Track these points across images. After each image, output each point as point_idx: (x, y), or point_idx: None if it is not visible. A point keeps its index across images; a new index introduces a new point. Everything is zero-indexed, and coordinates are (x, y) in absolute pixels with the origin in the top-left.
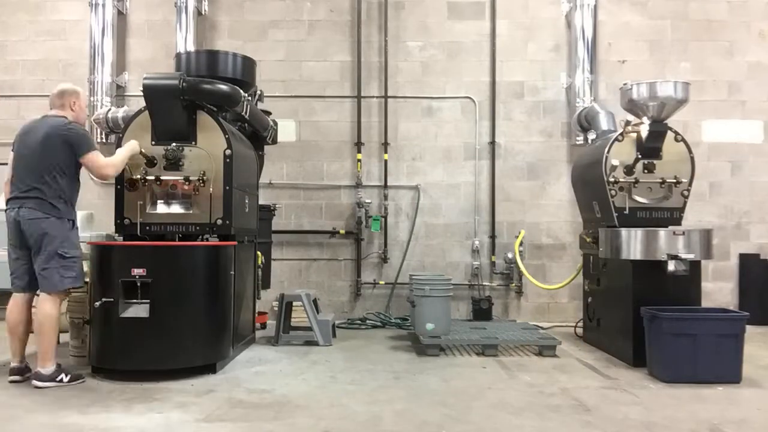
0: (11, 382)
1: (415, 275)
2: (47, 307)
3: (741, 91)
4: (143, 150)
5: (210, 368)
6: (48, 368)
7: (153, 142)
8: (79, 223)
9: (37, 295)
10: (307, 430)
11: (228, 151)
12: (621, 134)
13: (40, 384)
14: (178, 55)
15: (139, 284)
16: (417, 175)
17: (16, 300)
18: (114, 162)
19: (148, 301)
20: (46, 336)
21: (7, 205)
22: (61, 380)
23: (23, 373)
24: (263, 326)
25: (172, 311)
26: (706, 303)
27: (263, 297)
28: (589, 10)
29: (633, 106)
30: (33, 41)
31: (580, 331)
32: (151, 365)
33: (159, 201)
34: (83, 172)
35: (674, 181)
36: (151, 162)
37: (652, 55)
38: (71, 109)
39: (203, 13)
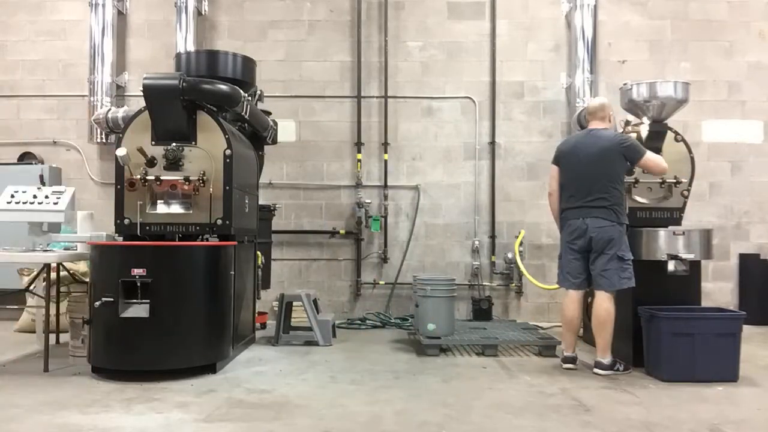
0: (566, 369)
1: (419, 276)
2: (607, 304)
3: (741, 91)
4: (144, 149)
5: (210, 368)
6: (607, 358)
7: (153, 142)
8: (78, 223)
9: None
10: (307, 430)
11: (228, 151)
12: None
13: (600, 372)
14: (178, 55)
15: (139, 284)
16: (417, 175)
17: (572, 297)
18: (663, 160)
19: (148, 301)
20: (605, 329)
21: (568, 214)
22: (617, 369)
23: (574, 362)
24: (263, 326)
25: (172, 311)
26: (706, 303)
27: (263, 297)
28: (589, 10)
29: (633, 106)
30: (33, 41)
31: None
32: (151, 365)
33: (159, 201)
34: (81, 172)
35: (674, 181)
36: (151, 162)
37: (652, 55)
38: (609, 120)
39: (203, 13)
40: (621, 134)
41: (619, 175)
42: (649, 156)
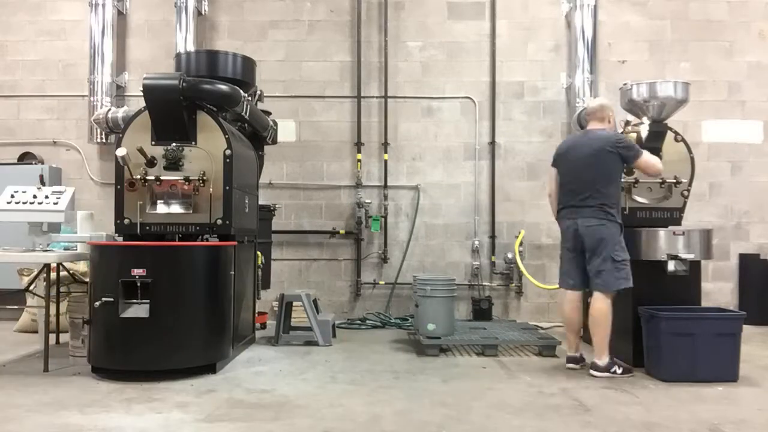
0: (569, 368)
1: (419, 276)
2: (599, 304)
3: (741, 91)
4: (144, 149)
5: (210, 368)
6: (603, 360)
7: (153, 142)
8: (78, 223)
9: (587, 293)
10: (307, 430)
11: (228, 151)
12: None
13: (596, 374)
14: (178, 55)
15: (139, 284)
16: (417, 175)
17: (569, 297)
18: (658, 161)
19: (148, 301)
20: (600, 330)
21: (562, 214)
22: (614, 372)
23: (578, 362)
24: (263, 326)
25: (172, 311)
26: (706, 303)
27: (263, 297)
28: (589, 10)
29: (633, 106)
30: (33, 41)
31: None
32: (151, 365)
33: (159, 201)
34: (81, 172)
35: (674, 181)
36: (151, 162)
37: (652, 55)
38: (609, 122)
39: (203, 13)
40: (617, 134)
41: (612, 174)
42: (645, 157)
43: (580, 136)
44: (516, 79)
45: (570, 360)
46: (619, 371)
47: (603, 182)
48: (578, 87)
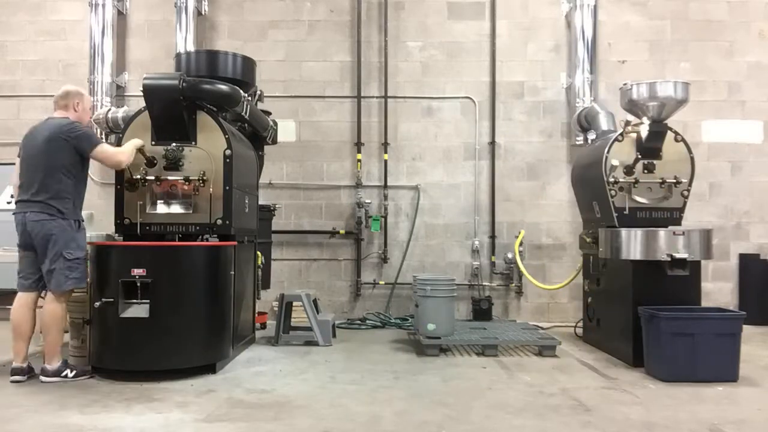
0: (13, 381)
1: (419, 276)
2: (54, 306)
3: (741, 91)
4: (144, 149)
5: (210, 368)
6: (54, 364)
7: (153, 142)
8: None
9: (42, 297)
10: (307, 430)
11: (228, 151)
12: (621, 134)
13: (46, 379)
14: (178, 55)
15: (139, 284)
16: (417, 175)
17: (21, 299)
18: (124, 150)
19: (148, 301)
20: (53, 332)
21: (16, 207)
22: (65, 375)
23: (26, 374)
24: (263, 326)
25: (172, 311)
26: (706, 303)
27: (263, 297)
28: (589, 10)
29: (633, 106)
30: (33, 41)
31: (580, 331)
32: (151, 365)
33: (159, 201)
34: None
35: (674, 181)
36: (151, 162)
37: (652, 55)
38: (74, 110)
39: (203, 13)
40: (71, 123)
41: (65, 166)
42: (104, 147)
43: (42, 122)
44: (516, 79)
45: (16, 372)
46: (71, 375)
47: (52, 174)
48: (578, 87)
